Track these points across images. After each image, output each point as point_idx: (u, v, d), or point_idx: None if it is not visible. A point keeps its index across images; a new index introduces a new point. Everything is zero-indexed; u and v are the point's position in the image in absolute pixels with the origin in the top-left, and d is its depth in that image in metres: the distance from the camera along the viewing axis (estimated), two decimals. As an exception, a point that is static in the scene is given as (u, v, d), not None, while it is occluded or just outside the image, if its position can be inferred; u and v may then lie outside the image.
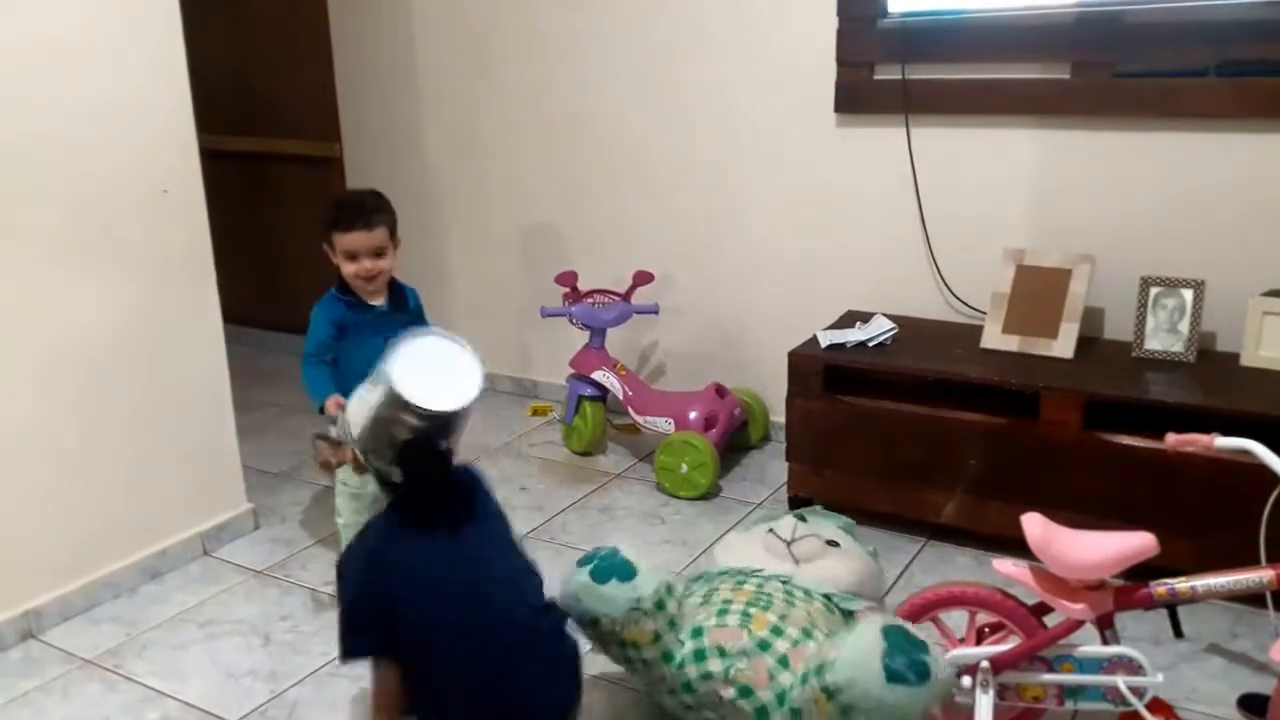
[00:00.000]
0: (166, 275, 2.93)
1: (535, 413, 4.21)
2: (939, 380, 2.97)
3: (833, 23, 3.35)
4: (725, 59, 3.61)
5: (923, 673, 1.84)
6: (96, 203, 2.74)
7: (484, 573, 2.02)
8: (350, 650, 1.98)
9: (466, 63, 4.17)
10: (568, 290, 3.76)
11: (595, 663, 2.29)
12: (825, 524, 2.55)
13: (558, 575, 2.22)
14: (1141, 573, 1.98)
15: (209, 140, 3.24)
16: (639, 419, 3.59)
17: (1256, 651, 2.49)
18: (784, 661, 2.02)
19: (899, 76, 3.28)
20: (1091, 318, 3.14)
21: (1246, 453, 1.98)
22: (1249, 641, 2.54)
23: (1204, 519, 2.58)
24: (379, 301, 2.88)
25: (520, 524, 3.26)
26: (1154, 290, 2.96)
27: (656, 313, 3.79)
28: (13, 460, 2.64)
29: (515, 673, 1.96)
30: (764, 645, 2.05)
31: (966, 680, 2.06)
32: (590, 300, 3.77)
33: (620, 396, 3.63)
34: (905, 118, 3.32)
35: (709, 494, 3.39)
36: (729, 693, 2.04)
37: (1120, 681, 1.98)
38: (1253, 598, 2.05)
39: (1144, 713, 1.97)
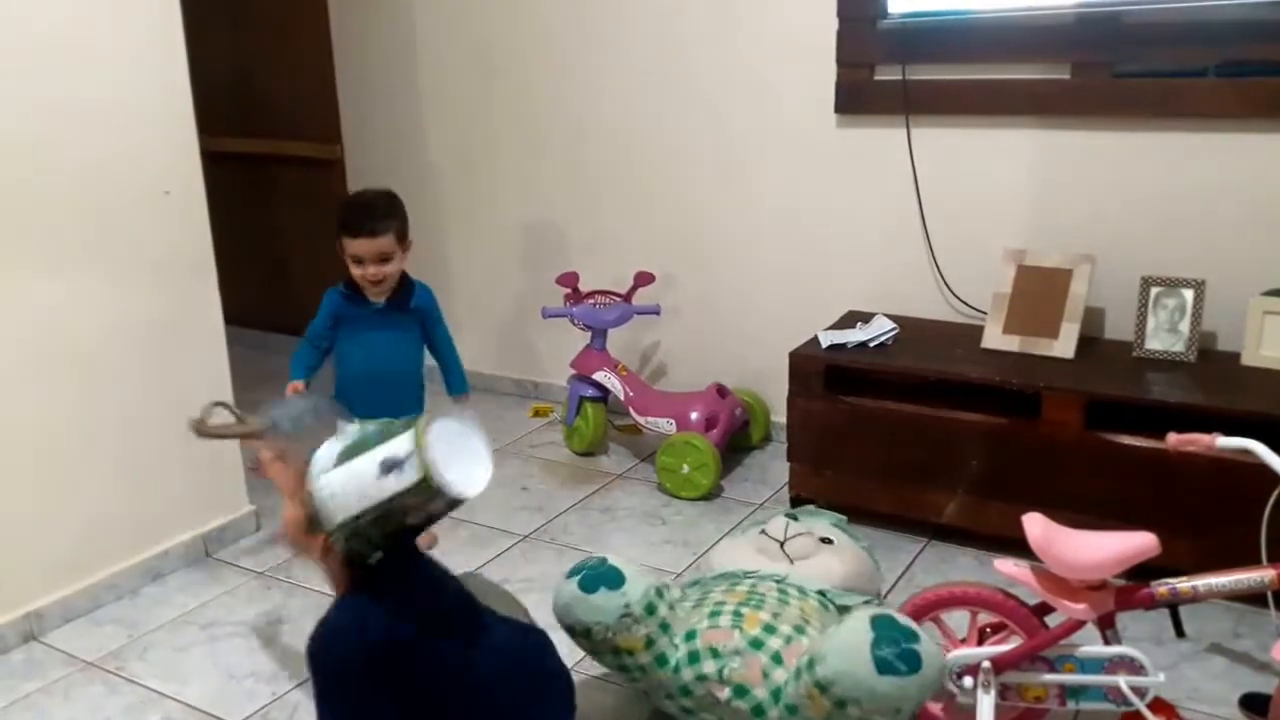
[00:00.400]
0: (168, 276, 2.93)
1: (537, 413, 4.22)
2: (940, 380, 2.97)
3: (833, 24, 3.36)
4: (726, 60, 3.62)
5: (913, 662, 1.84)
6: (97, 204, 2.74)
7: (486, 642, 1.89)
8: None
9: (467, 64, 4.17)
10: (569, 291, 3.76)
11: (596, 662, 2.30)
12: (818, 522, 2.56)
13: (559, 576, 2.22)
14: (1143, 573, 1.98)
15: (210, 142, 3.25)
16: (640, 419, 3.59)
17: (1258, 651, 2.49)
18: (777, 658, 2.03)
19: (899, 77, 3.28)
20: (1092, 318, 3.14)
21: (1247, 452, 1.98)
22: (1251, 641, 2.54)
23: (1205, 519, 2.58)
24: (378, 299, 2.93)
25: (521, 525, 3.27)
26: (1155, 290, 2.96)
27: (658, 313, 3.79)
28: (14, 461, 2.65)
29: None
30: (756, 643, 2.06)
31: (968, 680, 2.06)
32: (591, 301, 3.77)
33: (621, 397, 3.63)
34: (906, 118, 3.32)
35: (710, 494, 3.40)
36: (724, 693, 2.04)
37: (1122, 681, 1.98)
38: (1254, 597, 2.06)
39: (1146, 713, 1.97)
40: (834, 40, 3.37)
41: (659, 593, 2.15)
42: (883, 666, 1.83)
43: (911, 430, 2.98)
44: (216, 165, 3.36)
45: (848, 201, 3.52)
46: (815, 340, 3.20)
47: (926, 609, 2.15)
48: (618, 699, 2.42)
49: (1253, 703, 2.24)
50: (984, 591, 2.12)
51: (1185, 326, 2.92)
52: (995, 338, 3.09)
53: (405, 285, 2.98)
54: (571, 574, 2.18)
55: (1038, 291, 3.06)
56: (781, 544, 2.43)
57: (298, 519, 1.79)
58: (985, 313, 3.19)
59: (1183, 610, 2.00)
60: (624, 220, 3.99)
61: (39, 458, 2.70)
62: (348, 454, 1.80)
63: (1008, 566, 2.07)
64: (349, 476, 1.77)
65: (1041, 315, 3.04)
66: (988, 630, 2.16)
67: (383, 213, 2.86)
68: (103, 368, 2.80)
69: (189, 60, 2.92)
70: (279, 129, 4.80)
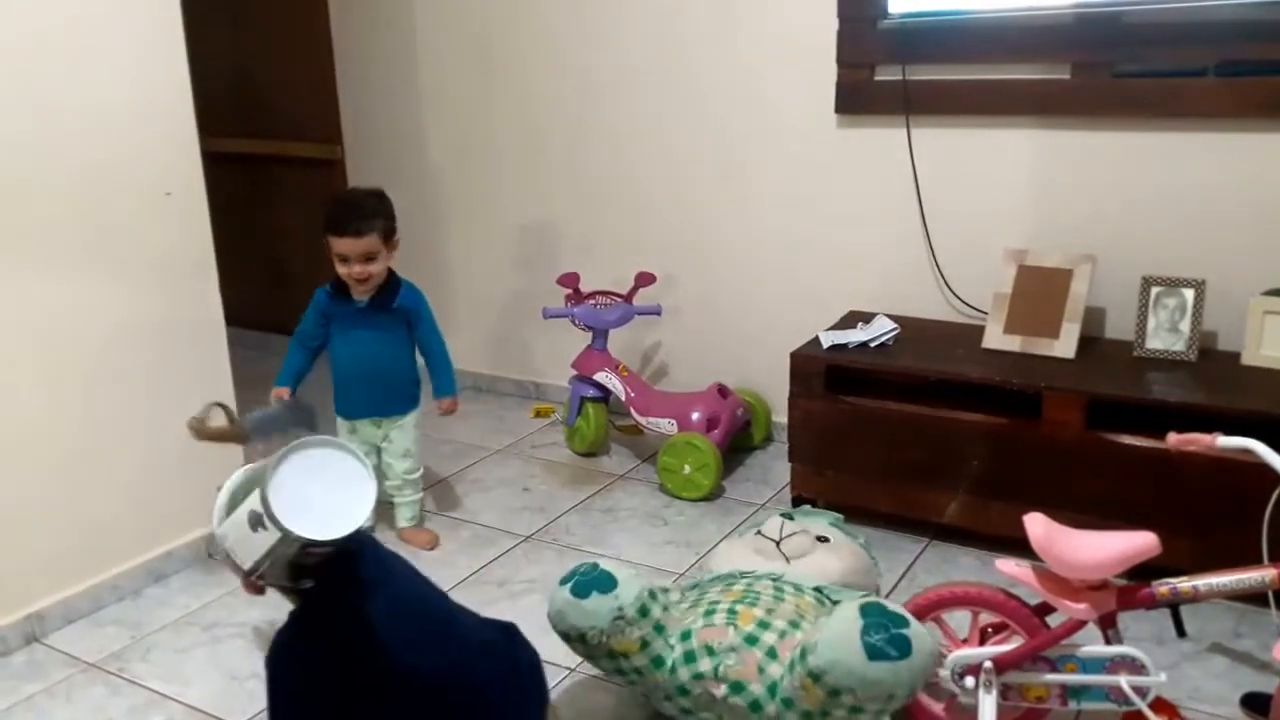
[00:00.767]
0: (169, 277, 2.93)
1: (538, 414, 4.22)
2: (941, 380, 2.97)
3: (833, 24, 3.36)
4: (726, 60, 3.62)
5: (903, 647, 1.84)
6: (98, 205, 2.74)
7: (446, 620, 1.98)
8: None
9: (467, 65, 4.17)
10: (570, 291, 3.76)
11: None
12: (814, 521, 2.57)
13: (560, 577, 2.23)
14: (1144, 572, 1.98)
15: (211, 142, 3.25)
16: (641, 420, 3.59)
17: (1259, 651, 2.49)
18: (772, 653, 2.03)
19: (899, 77, 3.28)
20: (1093, 317, 3.14)
21: (1248, 452, 1.99)
22: (1252, 641, 2.54)
23: (1206, 518, 2.59)
24: (362, 297, 2.97)
25: (523, 526, 3.27)
26: (1155, 290, 2.96)
27: (659, 314, 3.79)
28: (15, 463, 2.65)
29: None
30: (751, 639, 2.06)
31: (970, 681, 2.06)
32: (592, 301, 3.77)
33: (623, 398, 3.63)
34: (906, 118, 3.32)
35: (712, 495, 3.40)
36: (721, 690, 2.05)
37: (1123, 681, 1.98)
38: (1255, 597, 2.06)
39: (1147, 712, 1.97)
40: (834, 40, 3.37)
41: (652, 595, 2.15)
42: (873, 653, 1.84)
43: (912, 430, 2.98)
44: (217, 166, 3.36)
45: (848, 202, 3.52)
46: (816, 340, 3.20)
47: (928, 609, 2.15)
48: (617, 700, 2.42)
49: (1254, 702, 2.25)
50: (985, 591, 2.12)
51: (1186, 326, 2.93)
52: (996, 338, 3.09)
53: (390, 285, 3.01)
54: (564, 581, 2.19)
55: (1038, 291, 3.07)
56: (777, 543, 2.43)
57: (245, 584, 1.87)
58: (986, 313, 3.20)
59: (1184, 610, 2.00)
60: (625, 221, 3.99)
61: (40, 458, 2.70)
62: (232, 502, 1.83)
63: (1009, 566, 2.07)
64: (235, 529, 1.79)
65: (1042, 315, 3.04)
66: (989, 630, 2.16)
67: (369, 212, 2.89)
68: (103, 368, 2.81)
69: (189, 60, 2.92)
70: (280, 129, 4.81)
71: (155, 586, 2.98)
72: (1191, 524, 2.58)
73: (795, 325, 3.47)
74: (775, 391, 3.61)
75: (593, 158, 3.99)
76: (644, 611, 2.11)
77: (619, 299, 3.77)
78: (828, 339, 3.18)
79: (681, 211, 3.86)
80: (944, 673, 2.08)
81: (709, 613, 2.15)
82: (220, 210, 3.10)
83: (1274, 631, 2.38)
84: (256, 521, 1.73)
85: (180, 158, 2.93)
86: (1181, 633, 2.00)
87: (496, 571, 3.00)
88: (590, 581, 2.14)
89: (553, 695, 2.43)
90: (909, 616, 1.91)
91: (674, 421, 3.49)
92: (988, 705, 2.03)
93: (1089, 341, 3.05)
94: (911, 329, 3.27)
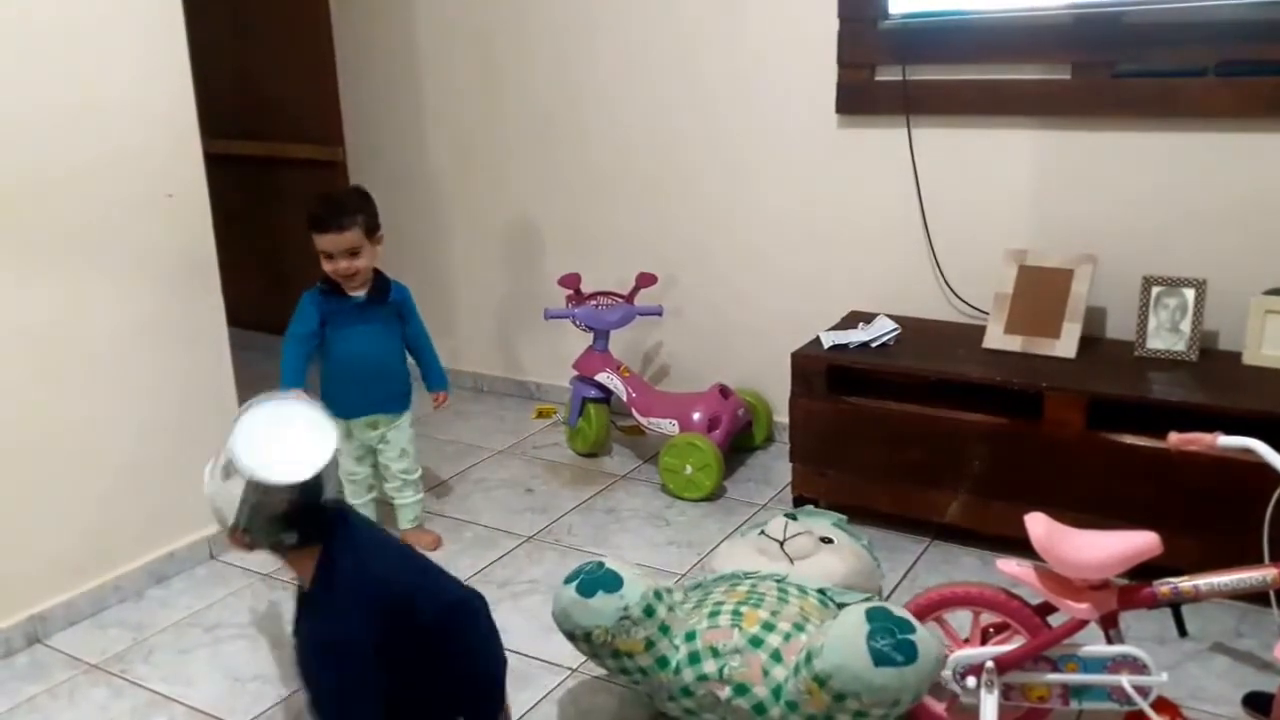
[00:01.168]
0: (171, 280, 2.94)
1: (540, 415, 4.22)
2: (942, 380, 2.98)
3: (833, 24, 3.36)
4: (727, 61, 3.62)
5: (909, 652, 1.84)
6: (100, 208, 2.75)
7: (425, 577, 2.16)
8: (356, 711, 1.92)
9: (469, 66, 4.18)
10: (571, 292, 3.76)
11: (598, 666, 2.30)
12: (817, 521, 2.57)
13: (563, 577, 2.23)
14: (1145, 572, 1.98)
15: (213, 145, 3.26)
16: (643, 421, 3.59)
17: (1261, 650, 2.49)
18: (777, 656, 2.03)
19: (900, 78, 3.29)
20: (1093, 317, 3.14)
21: (1249, 451, 1.99)
22: (1253, 640, 2.54)
23: (1207, 518, 2.59)
24: (358, 292, 2.99)
25: (525, 526, 3.27)
26: (1156, 289, 2.96)
27: (660, 314, 3.79)
28: (17, 464, 2.65)
29: (477, 641, 2.16)
30: (756, 641, 2.06)
31: (972, 681, 2.06)
32: (594, 302, 3.77)
33: (624, 398, 3.63)
34: (906, 119, 3.32)
35: (713, 495, 3.40)
36: (725, 692, 2.05)
37: (1125, 681, 1.98)
38: (1257, 596, 2.06)
39: (1149, 712, 1.98)
40: (835, 41, 3.37)
41: (658, 595, 2.15)
42: (879, 658, 1.84)
43: (914, 430, 2.98)
44: (219, 168, 3.36)
45: (849, 202, 3.52)
46: (817, 340, 3.21)
47: (929, 609, 2.15)
48: (620, 702, 2.42)
49: (1256, 701, 2.25)
50: (987, 591, 2.12)
51: (1186, 326, 2.93)
52: (997, 338, 3.09)
53: (383, 279, 3.05)
54: (569, 580, 2.19)
55: (1039, 291, 3.07)
56: (781, 544, 2.44)
57: (240, 545, 2.00)
58: (987, 313, 3.20)
59: (1185, 609, 2.00)
60: (626, 221, 3.99)
61: (43, 460, 2.70)
62: (215, 464, 1.98)
63: (1010, 566, 2.07)
64: (212, 483, 1.95)
65: (1043, 315, 3.05)
66: (991, 630, 2.16)
67: (349, 208, 2.93)
68: (106, 370, 2.81)
69: (191, 62, 2.93)
70: (281, 131, 4.81)
71: (157, 588, 2.98)
72: (1192, 523, 2.58)
73: (796, 325, 3.47)
74: (776, 391, 3.61)
75: (594, 158, 4.00)
76: (649, 611, 2.11)
77: (620, 299, 3.77)
78: (829, 339, 3.18)
79: (683, 212, 3.86)
80: (946, 673, 2.08)
81: (714, 614, 2.16)
82: (222, 212, 3.11)
83: (1275, 631, 2.39)
84: (228, 472, 1.89)
85: (182, 160, 2.93)
86: (1183, 632, 2.00)
87: (499, 572, 3.00)
88: (596, 580, 2.14)
89: (554, 696, 2.44)
90: (915, 622, 1.91)
91: (675, 422, 3.50)
92: (989, 705, 2.03)
93: (1090, 341, 3.05)
94: (912, 329, 3.27)
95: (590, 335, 3.73)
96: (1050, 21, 3.07)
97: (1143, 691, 1.98)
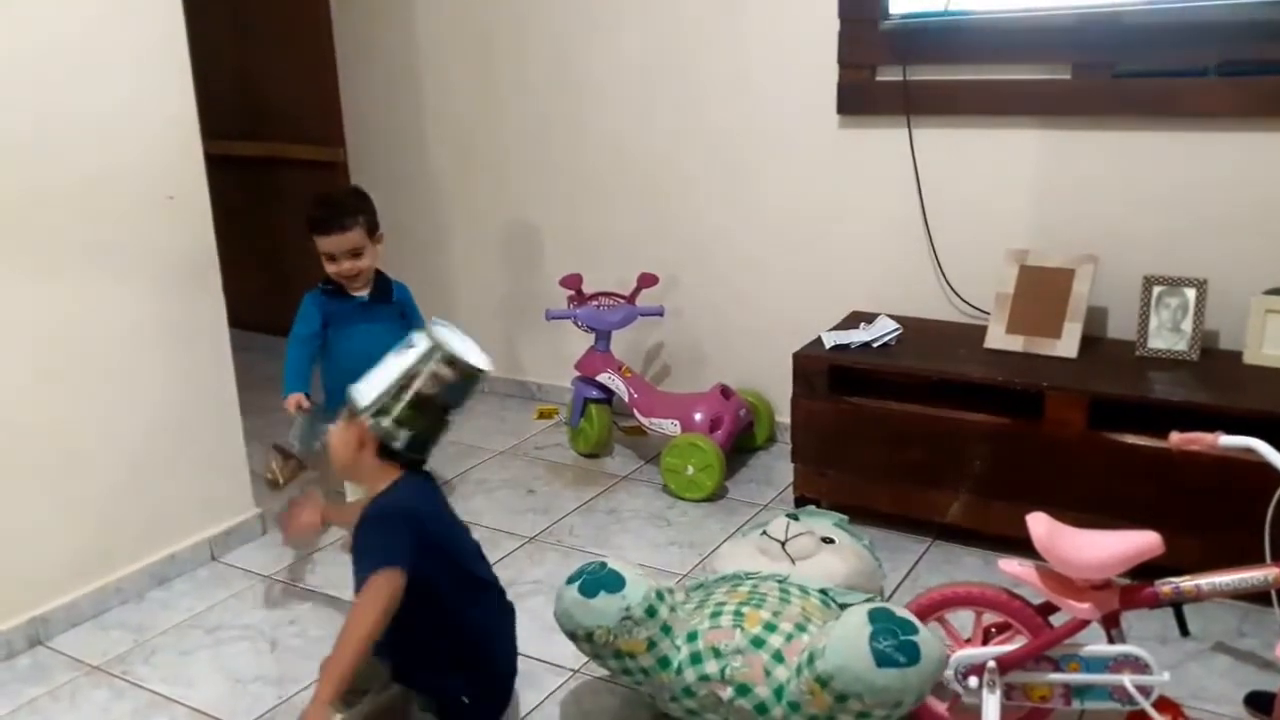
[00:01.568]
0: (172, 281, 2.94)
1: (542, 415, 4.22)
2: (943, 380, 2.98)
3: (834, 25, 3.36)
4: (728, 62, 3.62)
5: (912, 653, 1.84)
6: (102, 209, 2.75)
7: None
8: (392, 556, 2.02)
9: (469, 67, 4.18)
10: (572, 293, 3.76)
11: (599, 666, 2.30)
12: (819, 522, 2.57)
13: (565, 578, 2.23)
14: (1147, 572, 1.98)
15: (213, 145, 3.26)
16: (644, 421, 3.59)
17: (1263, 649, 2.49)
18: (779, 656, 2.03)
19: (900, 78, 3.29)
20: (1095, 317, 3.14)
21: (1250, 451, 1.99)
22: (1255, 640, 2.54)
23: (1208, 517, 2.59)
24: (361, 292, 3.01)
25: (527, 527, 3.28)
26: (1157, 289, 2.96)
27: (661, 315, 3.79)
28: (19, 466, 2.65)
29: (508, 630, 2.35)
30: (758, 642, 2.06)
31: (973, 681, 2.06)
32: (595, 303, 3.77)
33: (626, 399, 3.63)
34: (907, 119, 3.33)
35: (715, 495, 3.40)
36: (727, 692, 2.05)
37: (1127, 680, 1.98)
38: (1258, 596, 2.05)
39: (1151, 711, 1.97)
40: (835, 41, 3.37)
41: (660, 595, 2.15)
42: (881, 659, 1.84)
43: (915, 430, 2.98)
44: (220, 169, 3.36)
45: (850, 202, 3.52)
46: (819, 341, 3.21)
47: (931, 609, 2.15)
48: (622, 703, 2.42)
49: (1258, 701, 2.25)
50: (988, 591, 2.12)
51: (1188, 325, 2.93)
52: (998, 338, 3.09)
53: (384, 279, 3.07)
54: (571, 579, 2.19)
55: (1040, 291, 3.07)
56: (783, 544, 2.44)
57: (344, 436, 2.17)
58: (988, 313, 3.20)
59: (1187, 609, 2.00)
60: (627, 222, 3.99)
61: (44, 462, 2.70)
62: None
63: (1012, 566, 2.07)
64: (377, 369, 2.17)
65: (1044, 315, 3.05)
66: (992, 630, 2.16)
67: (349, 209, 2.94)
68: (107, 372, 2.81)
69: (193, 65, 2.93)
70: (282, 132, 4.81)
71: (158, 589, 2.98)
72: (1194, 523, 2.58)
73: (798, 325, 3.47)
74: (778, 392, 3.61)
75: (596, 159, 4.00)
76: (651, 612, 2.11)
77: (622, 300, 3.77)
78: (830, 339, 3.18)
79: (684, 212, 3.86)
80: (948, 673, 2.08)
81: (715, 614, 2.15)
82: (223, 213, 3.11)
83: (1277, 630, 2.39)
84: (407, 347, 2.15)
85: (183, 161, 2.93)
86: (1185, 632, 2.00)
87: (501, 573, 2.96)
88: (598, 580, 2.14)
89: (557, 697, 2.44)
90: (917, 623, 1.91)
91: (677, 422, 3.50)
92: (991, 705, 2.03)
93: (1091, 341, 3.05)
94: (914, 329, 3.27)
95: (592, 336, 3.73)
96: (1051, 22, 3.06)
97: (1145, 691, 1.98)
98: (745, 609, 2.15)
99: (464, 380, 2.14)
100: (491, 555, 3.08)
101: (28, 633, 2.71)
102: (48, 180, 2.62)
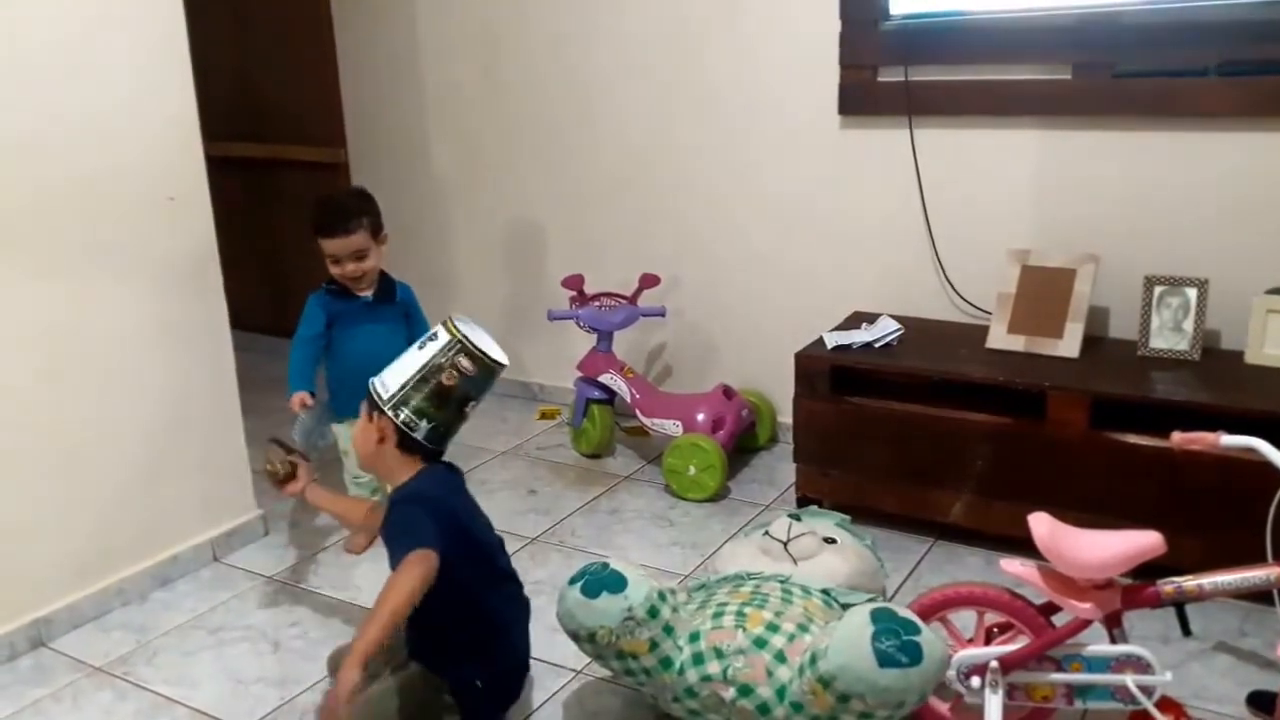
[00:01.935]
0: (173, 282, 2.94)
1: (544, 416, 4.22)
2: (945, 380, 2.98)
3: (835, 26, 3.36)
4: (730, 62, 3.62)
5: (914, 653, 1.84)
6: (102, 211, 2.75)
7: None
8: (424, 538, 2.04)
9: (471, 68, 4.18)
10: (574, 293, 3.77)
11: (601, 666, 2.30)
12: (821, 522, 2.57)
13: (567, 578, 2.23)
14: (1149, 571, 1.98)
15: (214, 147, 3.26)
16: (646, 421, 3.59)
17: (1265, 649, 2.49)
18: (781, 656, 2.03)
19: (902, 79, 3.29)
20: (1096, 317, 3.14)
21: (1252, 450, 1.98)
22: (1257, 639, 2.54)
23: (1210, 517, 2.58)
24: (365, 293, 3.01)
25: (529, 527, 3.27)
26: (1158, 289, 2.96)
27: (663, 315, 3.80)
28: (20, 467, 2.65)
29: (525, 623, 2.38)
30: (760, 642, 2.06)
31: (976, 680, 2.06)
32: (597, 303, 3.78)
33: (628, 399, 3.63)
34: (908, 119, 3.33)
35: (717, 496, 3.40)
36: (729, 693, 2.05)
37: (1129, 680, 1.98)
38: (1260, 595, 2.06)
39: (1153, 711, 1.97)
40: (836, 42, 3.37)
41: (662, 596, 2.15)
42: (884, 659, 1.84)
43: (917, 430, 2.98)
44: (221, 170, 3.37)
45: (852, 202, 3.52)
46: (820, 341, 3.21)
47: (933, 609, 2.15)
48: (624, 703, 2.42)
49: (1260, 700, 2.25)
50: (990, 591, 2.12)
51: (1189, 325, 2.93)
52: (1000, 338, 3.09)
53: (388, 279, 3.07)
54: (574, 580, 2.19)
55: (1042, 291, 3.07)
56: (785, 544, 2.44)
57: (366, 431, 2.23)
58: (990, 313, 3.20)
59: (1189, 609, 1.99)
60: (629, 222, 3.99)
61: (46, 463, 2.70)
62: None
63: (1014, 566, 2.07)
64: (398, 362, 2.23)
65: (1046, 315, 3.05)
66: (995, 630, 2.16)
67: (353, 211, 2.94)
68: (109, 373, 2.81)
69: (193, 65, 2.93)
70: (283, 133, 4.81)
71: (161, 591, 2.98)
72: (1196, 523, 2.58)
73: (799, 326, 3.47)
74: (780, 392, 3.61)
75: (597, 159, 4.00)
76: (653, 612, 2.11)
77: (623, 301, 3.77)
78: (832, 339, 3.19)
79: (685, 213, 3.86)
80: (950, 673, 2.08)
81: (717, 614, 2.16)
82: (224, 214, 3.11)
83: (1279, 630, 2.39)
84: (428, 341, 2.22)
85: (183, 161, 2.93)
86: (1187, 631, 2.00)
87: (502, 574, 3.00)
88: (600, 581, 2.14)
89: (560, 697, 2.44)
90: (920, 623, 1.91)
91: (679, 423, 3.50)
92: (994, 705, 2.03)
93: (1093, 341, 3.05)
94: (915, 329, 3.27)
95: (594, 336, 3.73)
96: (1051, 22, 3.07)
97: (1147, 691, 1.97)
98: (748, 609, 2.15)
99: (484, 373, 2.20)
100: (493, 556, 3.09)
101: (30, 634, 2.71)
102: (48, 180, 2.62)
